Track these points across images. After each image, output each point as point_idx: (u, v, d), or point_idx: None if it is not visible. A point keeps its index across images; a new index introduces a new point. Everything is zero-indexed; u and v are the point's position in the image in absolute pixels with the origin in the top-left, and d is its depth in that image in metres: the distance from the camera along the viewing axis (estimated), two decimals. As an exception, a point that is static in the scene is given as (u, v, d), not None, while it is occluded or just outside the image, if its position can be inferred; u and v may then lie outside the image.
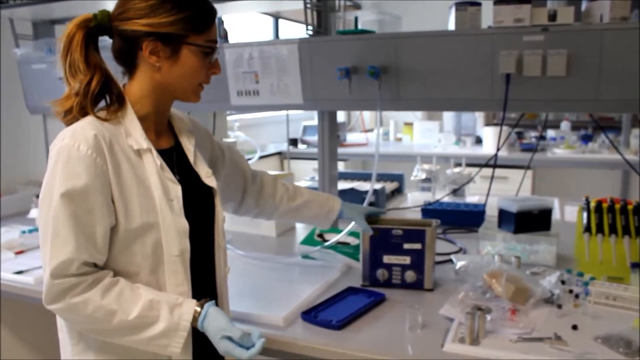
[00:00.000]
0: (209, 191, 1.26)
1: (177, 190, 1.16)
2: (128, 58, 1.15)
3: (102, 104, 1.16)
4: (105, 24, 1.13)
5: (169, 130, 1.27)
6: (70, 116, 1.13)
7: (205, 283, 1.23)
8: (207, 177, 1.26)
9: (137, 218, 1.10)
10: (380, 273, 1.56)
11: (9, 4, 2.35)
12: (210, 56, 1.17)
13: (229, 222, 2.17)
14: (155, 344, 1.08)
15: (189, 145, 1.26)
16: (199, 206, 1.23)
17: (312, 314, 1.39)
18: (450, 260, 1.74)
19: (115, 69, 1.18)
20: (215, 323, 1.10)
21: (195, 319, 1.10)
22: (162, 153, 1.18)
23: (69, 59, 1.11)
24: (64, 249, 1.04)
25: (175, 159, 1.22)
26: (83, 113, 1.12)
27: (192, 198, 1.20)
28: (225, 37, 2.27)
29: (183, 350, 1.09)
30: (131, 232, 1.10)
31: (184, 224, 1.15)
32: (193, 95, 1.20)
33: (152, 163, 1.14)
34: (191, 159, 1.25)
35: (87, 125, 1.09)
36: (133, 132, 1.13)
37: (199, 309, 1.10)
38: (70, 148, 1.06)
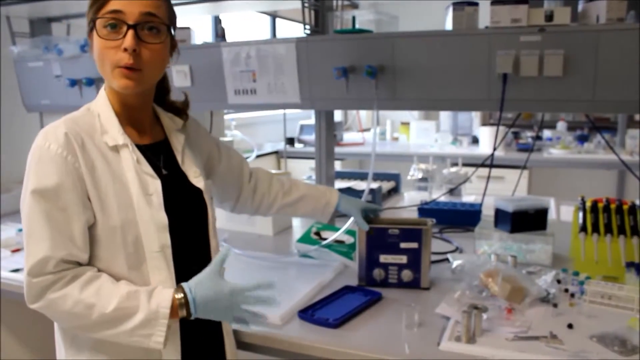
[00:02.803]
0: (198, 191, 1.24)
1: (156, 184, 1.14)
2: None
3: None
4: None
5: (158, 127, 1.26)
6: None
7: None
8: (195, 177, 1.24)
9: (114, 215, 1.09)
10: (377, 273, 1.56)
11: (6, 1, 2.34)
12: (114, 31, 1.07)
13: (225, 221, 2.21)
14: (138, 335, 1.05)
15: (177, 145, 1.25)
16: (185, 204, 1.21)
17: (309, 313, 1.39)
18: (447, 260, 1.74)
19: None
20: (207, 284, 1.09)
21: (180, 305, 1.06)
22: (145, 148, 1.18)
23: None
24: (39, 246, 1.04)
25: (163, 156, 1.21)
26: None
27: (178, 195, 1.19)
28: (222, 35, 2.27)
29: (170, 346, 1.08)
30: (110, 229, 1.09)
31: (163, 219, 1.13)
32: (112, 79, 1.10)
33: (129, 158, 1.13)
34: (179, 158, 1.24)
35: (60, 125, 1.09)
36: (109, 129, 1.13)
37: (179, 295, 1.07)
38: (42, 148, 1.06)
